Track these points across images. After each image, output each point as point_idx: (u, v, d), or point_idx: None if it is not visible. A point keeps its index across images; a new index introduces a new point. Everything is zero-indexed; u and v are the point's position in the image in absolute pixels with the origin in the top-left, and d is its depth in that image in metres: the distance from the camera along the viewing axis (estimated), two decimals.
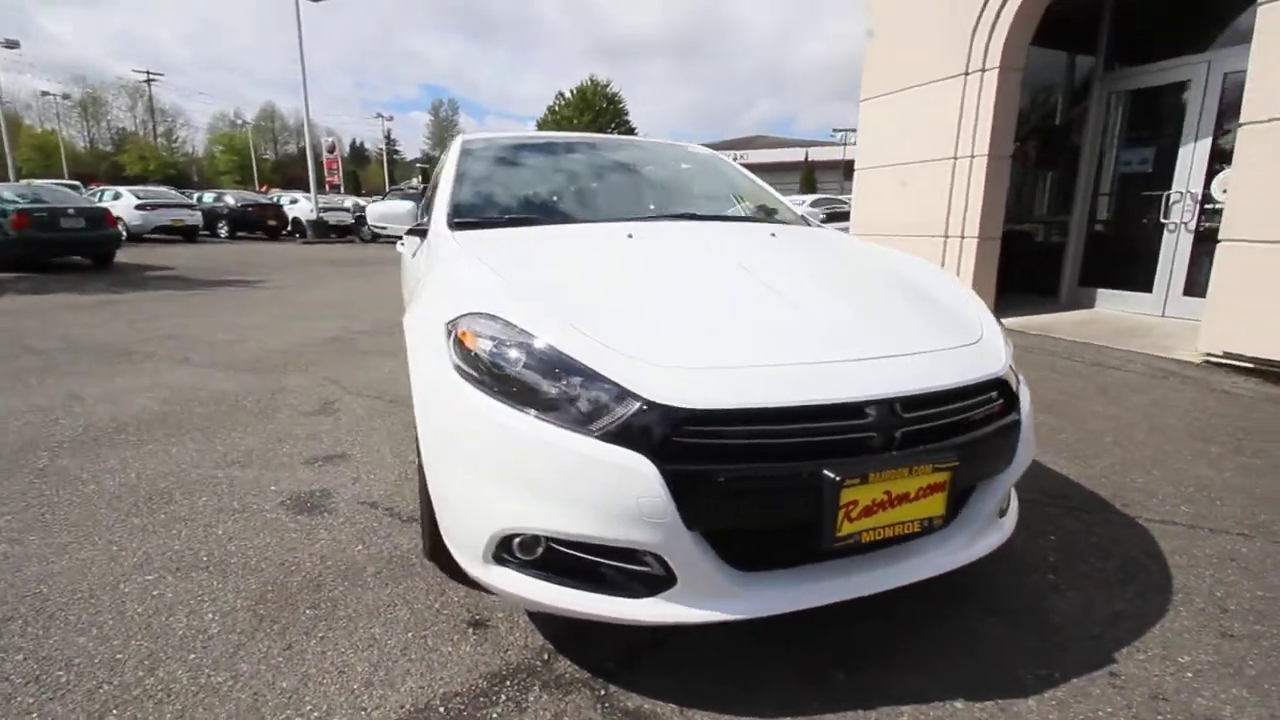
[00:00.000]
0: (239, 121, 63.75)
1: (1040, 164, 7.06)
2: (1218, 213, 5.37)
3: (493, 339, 1.44)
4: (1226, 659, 1.57)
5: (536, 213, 2.40)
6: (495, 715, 1.38)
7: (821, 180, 41.76)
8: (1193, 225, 5.67)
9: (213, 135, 68.03)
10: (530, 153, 2.93)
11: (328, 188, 21.39)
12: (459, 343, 1.50)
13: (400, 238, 3.50)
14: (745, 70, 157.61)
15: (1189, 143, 5.66)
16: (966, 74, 6.04)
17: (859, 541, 1.33)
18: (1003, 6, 5.69)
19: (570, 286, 1.65)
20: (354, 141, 78.67)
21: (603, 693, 1.45)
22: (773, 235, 2.21)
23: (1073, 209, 6.72)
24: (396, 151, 75.16)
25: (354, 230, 20.71)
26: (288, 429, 3.15)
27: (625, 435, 1.26)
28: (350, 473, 2.63)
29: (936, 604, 1.76)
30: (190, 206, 17.48)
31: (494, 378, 1.41)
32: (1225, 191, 5.39)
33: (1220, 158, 5.46)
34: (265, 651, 1.57)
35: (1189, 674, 1.52)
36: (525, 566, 1.39)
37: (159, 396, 3.64)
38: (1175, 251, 5.81)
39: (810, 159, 45.74)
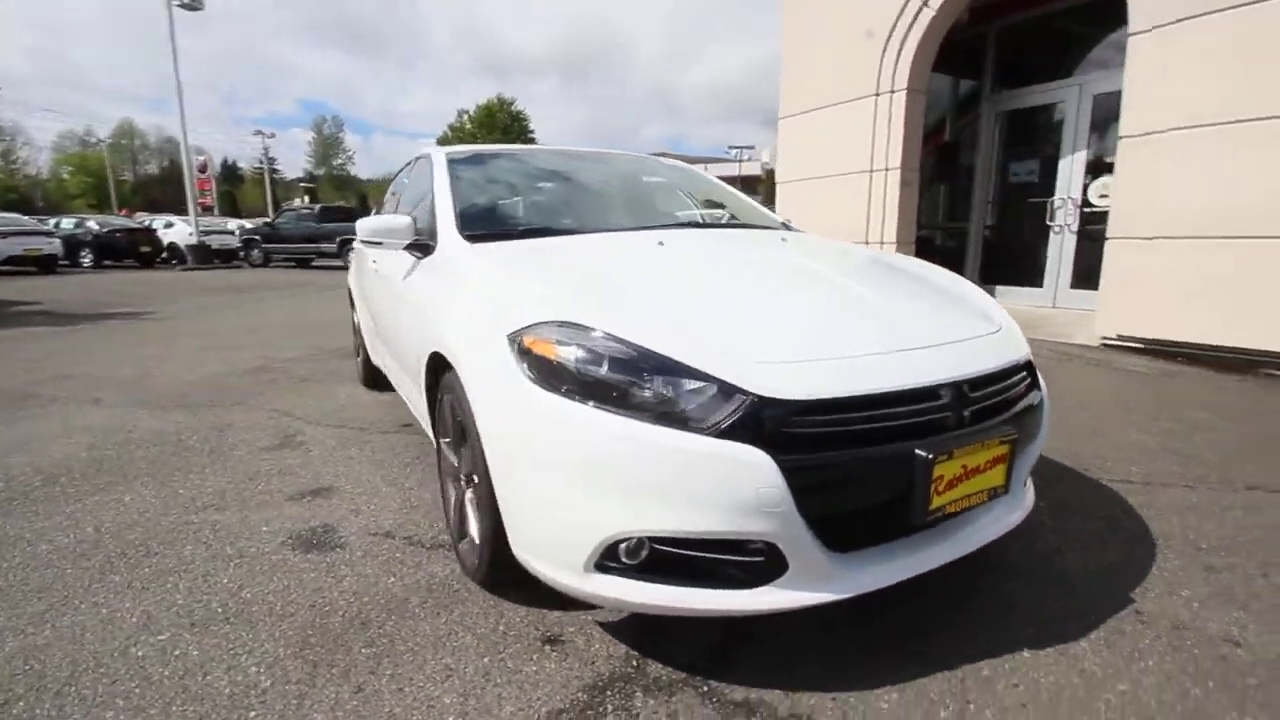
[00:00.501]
0: (92, 140, 57.36)
1: (940, 176, 7.75)
2: (1095, 215, 6.14)
3: (576, 346, 1.42)
4: (1217, 589, 1.82)
5: (546, 223, 2.37)
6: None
7: None
8: (1075, 227, 6.43)
9: (60, 155, 60.89)
10: (516, 164, 2.89)
11: (200, 209, 19.69)
12: (527, 352, 1.48)
13: (338, 259, 3.33)
14: (637, 92, 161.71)
15: (1067, 155, 6.44)
16: (877, 94, 6.55)
17: (944, 513, 1.43)
18: (907, 35, 6.25)
19: (627, 291, 1.66)
20: (225, 160, 72.96)
21: (705, 689, 1.46)
22: (784, 240, 2.32)
23: (971, 215, 7.43)
24: (276, 170, 70.46)
25: (240, 254, 19.23)
26: (252, 466, 2.89)
27: (739, 430, 1.29)
28: (346, 505, 2.46)
29: (967, 576, 1.90)
30: (47, 234, 15.55)
31: (583, 384, 1.39)
32: (1102, 196, 6.19)
33: (1094, 168, 6.25)
34: (335, 697, 1.45)
35: (1195, 604, 1.74)
36: (630, 571, 1.38)
37: (83, 442, 3.23)
38: (1061, 250, 6.56)
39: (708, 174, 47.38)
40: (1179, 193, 4.57)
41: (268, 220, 20.87)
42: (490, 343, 1.58)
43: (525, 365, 1.48)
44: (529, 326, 1.51)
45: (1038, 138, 6.85)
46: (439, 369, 1.97)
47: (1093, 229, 6.13)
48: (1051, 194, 6.58)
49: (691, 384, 1.33)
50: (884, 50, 6.43)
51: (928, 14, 6.08)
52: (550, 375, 1.44)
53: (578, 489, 1.38)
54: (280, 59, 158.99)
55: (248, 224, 21.97)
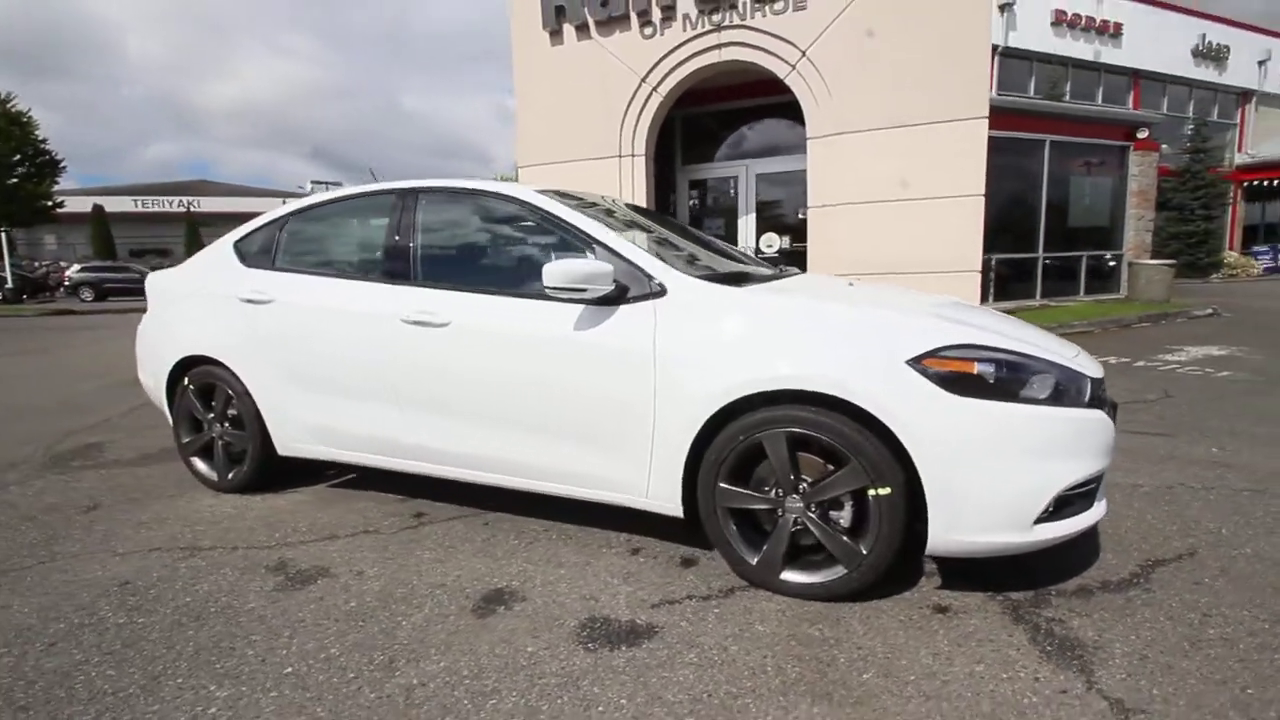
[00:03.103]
0: None
1: None
2: (768, 260, 8.47)
3: (990, 361, 1.89)
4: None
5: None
6: (1084, 629, 1.85)
7: None
8: None
9: None
10: (582, 203, 2.78)
11: None
12: (938, 371, 1.87)
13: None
14: (133, 100, 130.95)
15: (743, 215, 8.69)
16: (620, 156, 7.65)
17: None
18: (641, 112, 7.54)
19: (955, 319, 2.13)
20: None
21: (1052, 593, 2.06)
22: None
23: None
24: None
25: None
26: (320, 610, 2.06)
27: (1093, 402, 1.99)
28: (565, 596, 2.10)
29: None
30: None
31: (1001, 388, 1.88)
32: (769, 245, 8.56)
33: (761, 225, 8.61)
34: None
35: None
36: (1052, 516, 1.92)
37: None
38: None
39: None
40: (841, 246, 6.90)
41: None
42: (895, 368, 1.88)
43: (939, 381, 1.86)
44: (934, 350, 1.89)
45: (721, 201, 9.02)
46: (740, 409, 2.03)
47: None
48: (736, 244, 8.75)
49: (1062, 375, 1.96)
50: (622, 123, 7.58)
51: (656, 99, 7.48)
52: (971, 386, 1.86)
53: (1026, 465, 1.85)
54: None
55: None
